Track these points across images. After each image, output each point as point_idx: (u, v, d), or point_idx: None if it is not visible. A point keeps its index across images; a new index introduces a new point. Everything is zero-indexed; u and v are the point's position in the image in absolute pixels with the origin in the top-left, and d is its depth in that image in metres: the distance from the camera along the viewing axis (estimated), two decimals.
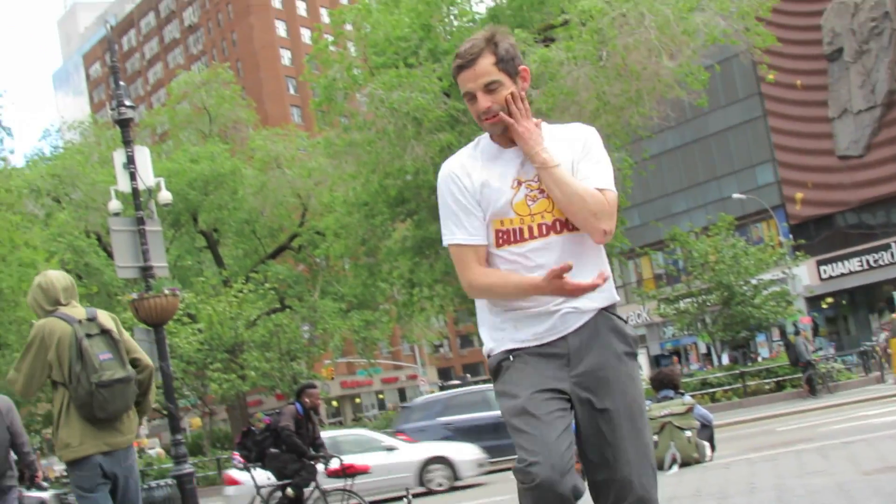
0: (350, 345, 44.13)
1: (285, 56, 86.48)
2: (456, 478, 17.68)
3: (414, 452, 18.11)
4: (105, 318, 5.99)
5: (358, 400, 79.47)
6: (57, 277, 6.06)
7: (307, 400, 12.80)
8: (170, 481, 14.75)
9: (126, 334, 6.22)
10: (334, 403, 73.65)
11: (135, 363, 6.00)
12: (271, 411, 17.43)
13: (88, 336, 5.68)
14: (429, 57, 30.26)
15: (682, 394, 12.61)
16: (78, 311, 5.88)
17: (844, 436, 11.96)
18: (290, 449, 12.74)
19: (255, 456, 13.32)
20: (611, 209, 3.20)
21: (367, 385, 77.13)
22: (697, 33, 28.26)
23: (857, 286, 47.11)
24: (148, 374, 6.11)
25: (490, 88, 3.24)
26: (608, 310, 3.31)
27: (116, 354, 5.76)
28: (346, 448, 15.69)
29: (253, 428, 14.27)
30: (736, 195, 46.29)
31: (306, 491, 12.82)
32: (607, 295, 3.32)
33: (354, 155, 31.64)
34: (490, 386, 26.64)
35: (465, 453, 17.94)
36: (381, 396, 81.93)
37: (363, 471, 12.94)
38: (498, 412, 19.95)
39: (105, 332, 5.83)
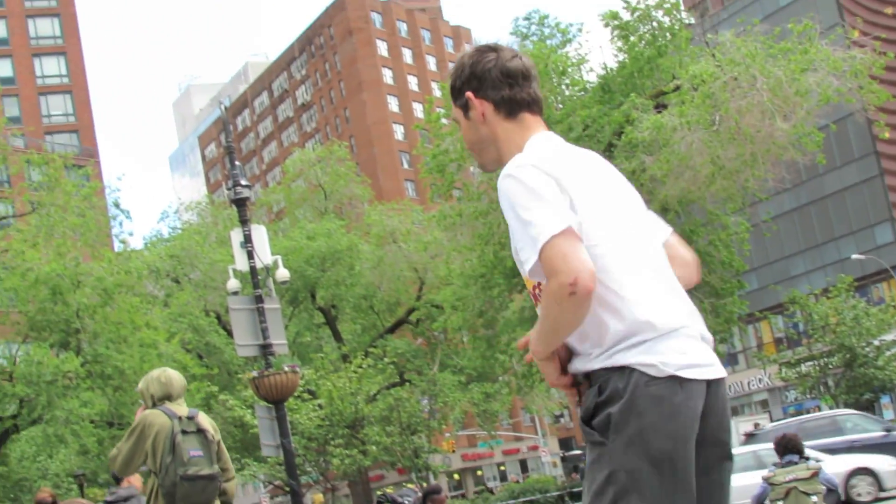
0: (470, 417, 43.55)
1: (398, 131, 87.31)
2: (881, 488, 18.36)
3: (838, 464, 18.55)
4: (205, 419, 6.40)
5: (480, 472, 78.49)
6: (177, 377, 6.50)
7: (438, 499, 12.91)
8: None
9: (222, 443, 6.64)
10: (456, 476, 73.00)
11: (222, 470, 6.42)
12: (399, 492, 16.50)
13: (184, 433, 6.06)
14: None
15: (808, 458, 12.37)
16: (181, 408, 6.28)
17: None
18: None
19: None
20: (548, 274, 2.39)
21: (489, 457, 76.72)
22: (811, 94, 27.91)
23: None
24: (230, 480, 6.60)
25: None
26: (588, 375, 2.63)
27: (207, 453, 6.14)
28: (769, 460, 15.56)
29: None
30: (855, 256, 46.18)
31: None
32: (584, 358, 2.62)
33: (469, 226, 31.54)
34: (840, 411, 27.92)
35: (888, 464, 18.65)
36: (502, 468, 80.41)
37: None
38: (849, 436, 22.34)
39: (201, 432, 6.21)
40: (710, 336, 2.71)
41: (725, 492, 2.67)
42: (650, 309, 2.50)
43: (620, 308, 2.47)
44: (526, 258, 2.45)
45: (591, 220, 2.52)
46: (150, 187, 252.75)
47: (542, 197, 2.43)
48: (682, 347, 2.53)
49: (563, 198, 2.49)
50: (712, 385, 2.59)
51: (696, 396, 2.52)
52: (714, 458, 2.63)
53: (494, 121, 2.77)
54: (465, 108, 2.81)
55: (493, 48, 2.82)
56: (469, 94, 2.76)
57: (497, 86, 2.75)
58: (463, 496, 62.16)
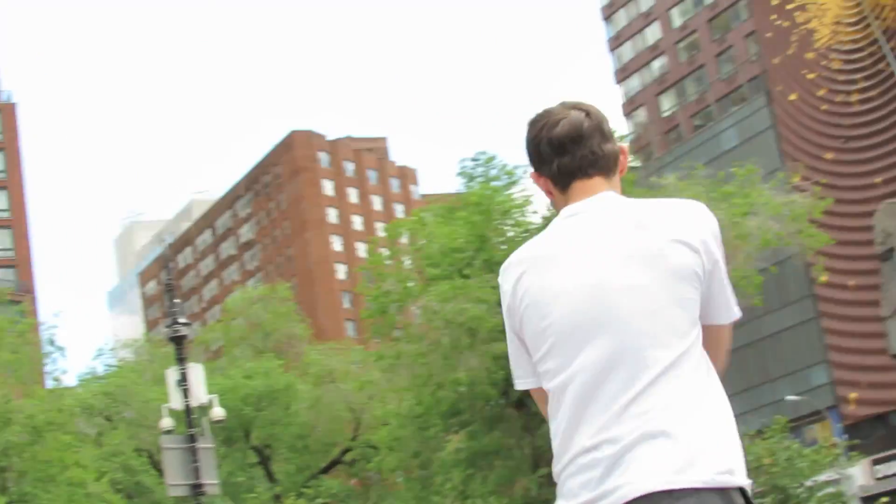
0: None
1: (340, 270, 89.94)
2: None
3: None
4: None
5: None
6: None
7: None
8: None
9: None
10: None
11: None
12: None
13: None
14: (483, 267, 31.49)
15: None
16: None
17: None
18: None
19: None
20: None
21: None
22: (751, 237, 29.78)
23: None
24: None
25: None
26: None
27: None
28: None
29: None
30: (790, 397, 48.83)
31: None
32: None
33: (407, 367, 32.32)
34: None
35: None
36: None
37: None
38: None
39: None
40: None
41: None
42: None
43: None
44: None
45: None
46: (87, 324, 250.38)
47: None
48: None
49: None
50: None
51: None
52: None
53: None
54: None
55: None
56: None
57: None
58: None
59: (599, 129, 2.59)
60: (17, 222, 73.25)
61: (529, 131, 2.67)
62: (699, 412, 2.37)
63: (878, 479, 48.41)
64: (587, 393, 2.34)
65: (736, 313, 2.53)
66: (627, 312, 2.35)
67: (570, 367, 2.34)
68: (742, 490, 2.36)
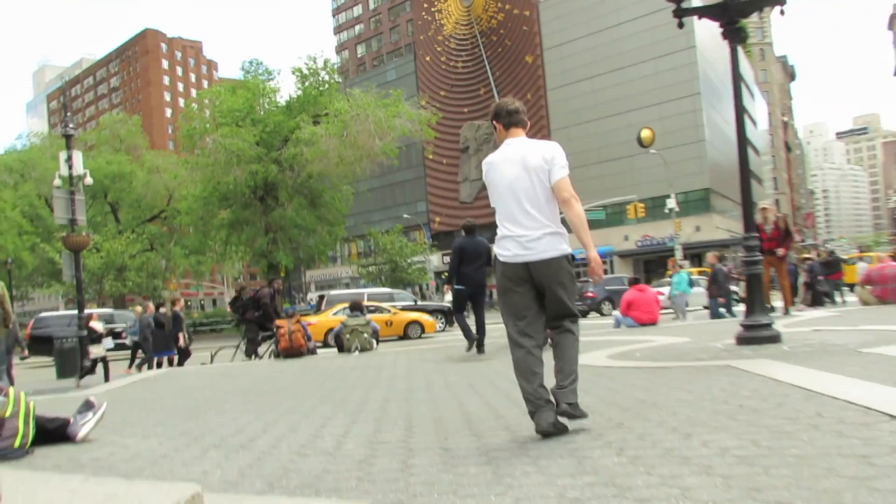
0: (188, 273, 60.01)
1: (168, 111, 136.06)
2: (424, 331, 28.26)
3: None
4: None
5: (189, 303, 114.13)
6: None
7: (275, 285, 18.33)
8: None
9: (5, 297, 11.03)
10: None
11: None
12: (254, 288, 21.56)
13: None
14: (250, 123, 41.54)
15: (365, 314, 17.63)
16: None
17: None
18: (265, 313, 18.01)
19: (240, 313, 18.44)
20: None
21: (196, 296, 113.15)
22: (396, 129, 39.67)
23: None
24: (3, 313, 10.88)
25: None
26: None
27: None
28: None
29: (241, 294, 19.20)
30: (405, 215, 75.56)
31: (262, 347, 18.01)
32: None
33: (201, 170, 42.76)
34: (391, 290, 39.57)
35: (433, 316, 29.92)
36: (202, 302, 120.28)
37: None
38: (398, 302, 35.57)
39: None
40: (533, 240, 4.84)
41: (554, 296, 4.91)
42: (499, 229, 4.98)
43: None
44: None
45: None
46: (11, 124, 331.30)
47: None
48: (506, 245, 4.89)
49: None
50: (530, 264, 4.80)
51: (512, 269, 4.87)
52: (541, 288, 4.90)
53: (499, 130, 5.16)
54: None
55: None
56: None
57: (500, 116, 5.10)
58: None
59: (523, 111, 5.04)
60: None
61: (498, 105, 5.05)
62: (555, 223, 4.73)
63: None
64: (506, 214, 4.83)
65: (561, 175, 4.77)
66: (520, 188, 4.79)
67: (501, 204, 4.88)
68: (569, 256, 4.77)
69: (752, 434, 4.31)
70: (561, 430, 4.73)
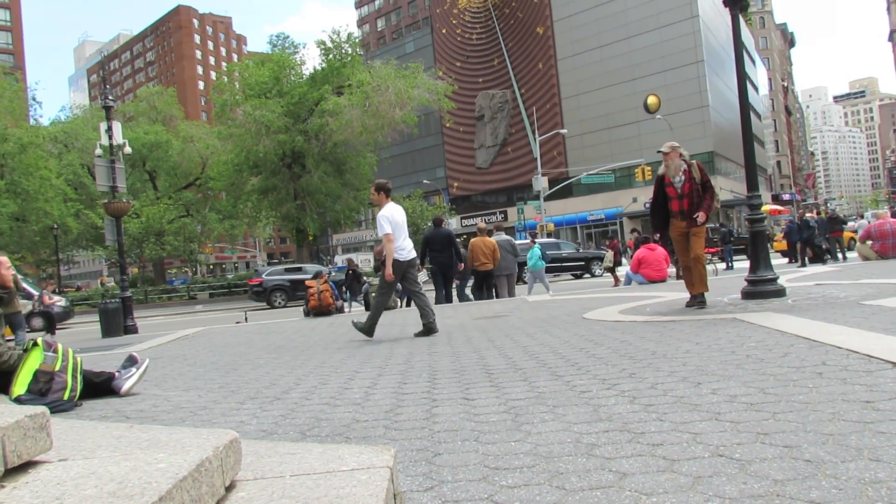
0: (222, 237, 60.34)
1: (200, 83, 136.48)
2: None
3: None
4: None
5: (224, 267, 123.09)
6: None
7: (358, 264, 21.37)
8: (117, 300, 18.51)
9: (17, 276, 10.94)
10: (211, 266, 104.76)
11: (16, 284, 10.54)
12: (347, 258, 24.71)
13: None
14: (277, 94, 42.06)
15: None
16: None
17: None
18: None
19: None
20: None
21: (230, 259, 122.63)
22: (415, 99, 40.59)
23: None
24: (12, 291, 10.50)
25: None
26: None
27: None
28: None
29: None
30: (426, 181, 78.55)
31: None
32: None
33: (232, 139, 43.00)
34: None
35: None
36: (236, 265, 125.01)
37: None
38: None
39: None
40: (411, 249, 9.85)
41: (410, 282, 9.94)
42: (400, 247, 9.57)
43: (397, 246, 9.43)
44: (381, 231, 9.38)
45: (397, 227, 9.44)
46: (55, 98, 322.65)
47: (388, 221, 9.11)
48: (404, 255, 9.70)
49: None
50: (410, 260, 9.80)
51: (402, 265, 9.75)
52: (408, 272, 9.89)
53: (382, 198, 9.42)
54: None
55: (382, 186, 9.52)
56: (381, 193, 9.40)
57: (387, 191, 9.58)
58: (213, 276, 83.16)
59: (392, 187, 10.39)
60: (15, 28, 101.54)
61: (385, 183, 9.84)
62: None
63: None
64: (404, 237, 9.72)
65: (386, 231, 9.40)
66: (405, 226, 9.80)
67: (399, 232, 9.66)
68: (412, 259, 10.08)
69: (760, 382, 4.29)
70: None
